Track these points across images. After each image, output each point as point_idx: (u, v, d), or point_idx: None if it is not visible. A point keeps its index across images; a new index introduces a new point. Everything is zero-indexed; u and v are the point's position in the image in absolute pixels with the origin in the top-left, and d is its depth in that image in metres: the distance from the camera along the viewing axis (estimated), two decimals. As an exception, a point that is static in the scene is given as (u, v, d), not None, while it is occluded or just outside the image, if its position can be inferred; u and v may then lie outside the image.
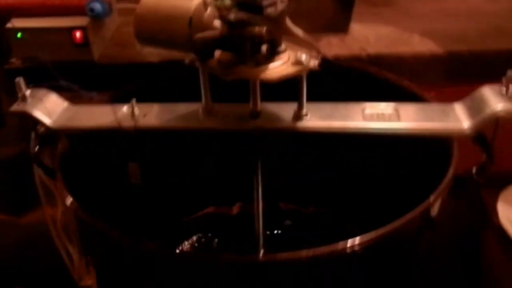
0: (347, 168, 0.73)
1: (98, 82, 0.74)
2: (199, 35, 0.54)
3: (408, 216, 0.49)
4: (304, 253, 0.48)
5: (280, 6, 0.56)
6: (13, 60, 0.93)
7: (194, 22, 0.54)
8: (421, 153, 0.63)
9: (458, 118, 0.61)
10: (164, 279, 0.53)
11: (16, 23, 0.91)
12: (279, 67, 0.58)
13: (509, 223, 0.88)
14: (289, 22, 0.64)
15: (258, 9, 0.54)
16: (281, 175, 0.73)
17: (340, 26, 0.83)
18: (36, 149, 0.65)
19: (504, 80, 0.60)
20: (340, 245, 0.47)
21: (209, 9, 0.55)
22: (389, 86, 0.72)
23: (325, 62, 0.73)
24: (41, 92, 0.67)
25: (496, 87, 0.61)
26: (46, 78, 0.76)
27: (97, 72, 0.92)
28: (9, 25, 0.90)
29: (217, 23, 0.56)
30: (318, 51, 0.71)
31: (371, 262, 0.52)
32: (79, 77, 0.82)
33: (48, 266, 0.93)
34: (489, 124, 0.60)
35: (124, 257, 0.56)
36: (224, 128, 0.62)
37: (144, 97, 0.66)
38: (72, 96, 0.72)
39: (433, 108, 0.64)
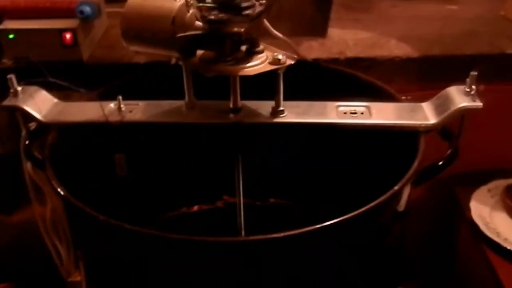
0: (322, 163, 0.77)
1: (86, 82, 0.78)
2: (181, 34, 0.58)
3: (372, 204, 0.53)
4: (275, 235, 0.51)
5: (258, 8, 0.60)
6: (4, 60, 0.96)
7: (176, 21, 0.58)
8: (393, 148, 0.67)
9: (425, 115, 0.65)
10: (155, 261, 0.56)
11: (8, 24, 0.94)
12: (256, 65, 0.61)
13: (479, 219, 0.93)
14: (268, 25, 0.68)
15: (237, 10, 0.58)
16: (261, 170, 0.76)
17: (318, 30, 0.87)
18: (27, 142, 0.68)
19: (468, 80, 0.64)
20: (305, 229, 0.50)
21: (191, 10, 0.59)
22: (364, 86, 0.76)
23: (302, 63, 0.78)
24: (32, 88, 0.70)
25: (461, 87, 0.65)
26: (36, 77, 0.79)
27: (85, 72, 0.95)
28: (1, 26, 0.93)
29: (198, 23, 0.59)
30: (296, 52, 0.76)
31: (337, 248, 0.56)
32: (68, 77, 0.85)
33: (39, 263, 0.96)
34: (453, 120, 0.64)
35: (113, 239, 0.58)
36: (205, 122, 0.66)
37: (130, 95, 0.69)
38: (63, 95, 0.76)
39: (403, 106, 0.68)
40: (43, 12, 0.93)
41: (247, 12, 0.58)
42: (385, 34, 1.01)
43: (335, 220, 0.51)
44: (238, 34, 0.58)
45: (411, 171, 0.57)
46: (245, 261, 0.53)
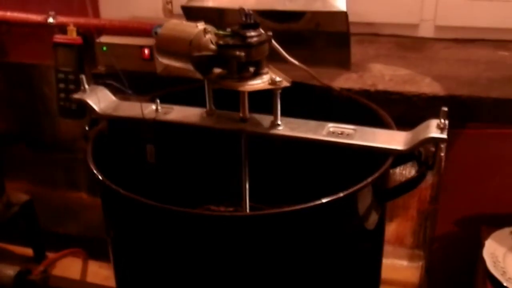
0: (308, 172, 0.88)
1: (157, 89, 0.97)
2: (196, 53, 0.73)
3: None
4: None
5: (261, 38, 0.74)
6: (99, 67, 1.20)
7: (193, 43, 0.73)
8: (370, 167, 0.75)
9: (400, 142, 0.74)
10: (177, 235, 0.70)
11: (103, 39, 1.17)
12: (257, 84, 0.75)
13: (490, 256, 0.96)
14: (284, 53, 0.81)
15: (242, 39, 0.73)
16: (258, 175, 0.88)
17: (343, 63, 0.97)
18: (87, 128, 0.88)
19: (440, 114, 0.72)
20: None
21: (208, 35, 0.75)
22: (369, 113, 0.86)
23: (317, 87, 0.90)
24: (98, 88, 0.90)
25: (437, 120, 0.73)
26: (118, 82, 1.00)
27: (158, 82, 1.15)
28: (98, 40, 1.17)
29: (212, 46, 0.75)
30: (315, 77, 0.88)
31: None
32: (144, 84, 1.06)
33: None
34: (424, 148, 0.72)
35: (142, 216, 0.73)
36: (217, 127, 0.81)
37: (177, 100, 0.86)
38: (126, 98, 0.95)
39: (387, 133, 0.77)
40: (129, 31, 1.15)
41: (249, 40, 0.73)
42: (424, 72, 1.08)
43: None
44: (240, 57, 0.73)
45: (363, 183, 0.67)
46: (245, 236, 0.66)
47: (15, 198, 1.26)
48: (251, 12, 0.73)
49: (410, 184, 0.73)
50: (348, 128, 0.78)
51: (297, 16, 0.95)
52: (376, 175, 0.69)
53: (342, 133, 0.77)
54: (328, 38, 0.95)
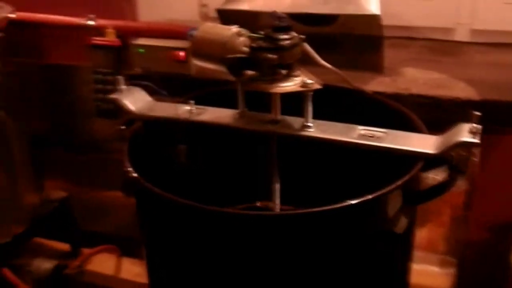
0: (338, 174, 0.88)
1: (191, 90, 0.99)
2: (229, 55, 0.75)
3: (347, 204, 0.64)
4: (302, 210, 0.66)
5: (294, 41, 0.75)
6: (135, 69, 1.23)
7: (227, 45, 0.75)
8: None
9: (431, 145, 0.74)
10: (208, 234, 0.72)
11: (140, 41, 1.20)
12: (288, 86, 0.76)
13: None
14: (317, 56, 0.82)
15: (274, 42, 0.74)
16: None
17: (376, 67, 0.97)
18: (123, 128, 0.90)
19: (472, 118, 0.72)
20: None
21: (242, 38, 0.76)
22: (398, 115, 0.86)
23: (351, 91, 0.91)
24: (134, 88, 0.92)
25: (469, 124, 0.73)
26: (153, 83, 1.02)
27: (192, 84, 1.17)
28: (134, 42, 1.20)
29: (245, 48, 0.76)
30: (346, 81, 0.88)
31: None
32: (178, 86, 1.08)
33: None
34: (455, 152, 0.71)
35: (177, 214, 0.74)
36: (249, 128, 0.82)
37: (210, 102, 0.88)
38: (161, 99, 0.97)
39: (418, 136, 0.77)
40: (165, 33, 1.17)
41: (281, 43, 0.74)
42: (458, 77, 1.07)
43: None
44: (272, 59, 0.74)
45: (392, 186, 0.67)
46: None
47: (53, 195, 1.30)
48: (283, 15, 0.75)
49: (440, 189, 0.72)
50: (378, 131, 0.78)
51: (330, 19, 0.96)
52: (406, 178, 0.69)
53: (372, 136, 0.77)
54: (361, 42, 0.96)
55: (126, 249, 1.38)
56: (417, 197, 0.74)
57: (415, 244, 1.05)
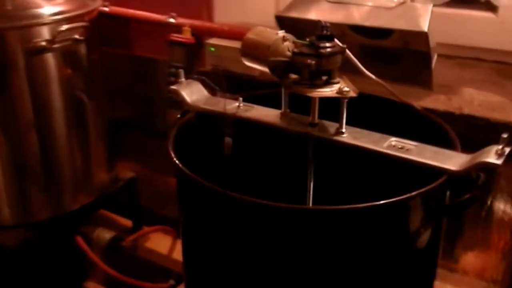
0: (367, 180, 0.90)
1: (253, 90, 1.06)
2: (272, 58, 0.81)
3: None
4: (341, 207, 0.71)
5: (335, 49, 0.79)
6: (206, 66, 1.32)
7: (271, 49, 0.81)
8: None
9: (456, 163, 0.75)
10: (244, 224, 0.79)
11: (212, 40, 1.29)
12: (325, 91, 0.80)
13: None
14: (362, 67, 0.86)
15: (315, 49, 0.79)
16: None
17: (425, 83, 0.98)
18: (179, 116, 0.99)
19: (500, 140, 0.72)
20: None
21: (286, 43, 0.82)
22: (438, 131, 0.87)
23: (397, 104, 0.93)
24: (193, 82, 1.01)
25: (497, 146, 0.73)
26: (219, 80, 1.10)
27: (255, 85, 1.24)
28: (207, 41, 1.29)
29: (288, 53, 0.81)
30: (392, 93, 0.91)
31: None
32: (242, 85, 1.14)
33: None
34: (474, 169, 0.72)
35: (215, 202, 0.79)
36: (288, 128, 0.87)
37: (262, 102, 0.94)
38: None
39: (447, 153, 0.78)
40: (234, 35, 1.25)
41: (321, 51, 0.78)
42: (518, 101, 1.05)
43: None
44: (310, 65, 0.78)
45: (413, 193, 0.70)
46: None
47: (122, 174, 1.42)
48: (327, 24, 0.79)
49: (463, 205, 0.73)
50: (409, 143, 0.80)
51: (387, 33, 0.98)
52: (426, 189, 0.71)
53: (402, 148, 0.80)
54: (413, 57, 0.97)
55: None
56: (439, 211, 0.75)
57: (464, 268, 1.05)
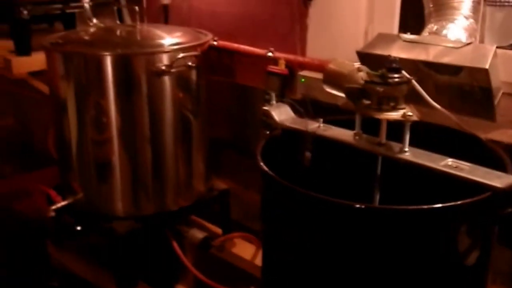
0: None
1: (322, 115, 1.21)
2: (347, 85, 0.97)
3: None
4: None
5: (401, 80, 0.94)
6: (297, 94, 1.50)
7: (347, 77, 0.97)
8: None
9: (502, 182, 0.85)
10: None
11: (303, 72, 1.47)
12: (390, 115, 0.95)
13: None
14: (427, 97, 0.99)
15: (384, 78, 0.94)
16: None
17: (489, 116, 1.08)
18: (267, 132, 1.17)
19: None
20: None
21: (360, 73, 0.97)
22: (497, 159, 0.97)
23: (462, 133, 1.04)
24: (282, 104, 1.19)
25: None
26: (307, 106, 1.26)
27: (338, 112, 1.39)
28: (299, 73, 1.47)
29: (361, 81, 0.97)
30: (457, 124, 1.03)
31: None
32: (328, 112, 1.29)
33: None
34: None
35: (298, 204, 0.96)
36: (359, 147, 1.02)
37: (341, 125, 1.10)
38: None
39: (496, 174, 0.89)
40: (322, 68, 1.42)
41: (389, 80, 0.93)
42: None
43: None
44: (379, 92, 0.93)
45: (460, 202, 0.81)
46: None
47: (217, 186, 1.62)
48: (395, 59, 0.94)
49: (503, 219, 0.84)
50: (464, 164, 0.92)
51: (454, 70, 1.10)
52: (471, 200, 0.83)
53: (457, 167, 0.91)
54: (479, 93, 1.08)
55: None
56: (487, 221, 0.86)
57: None
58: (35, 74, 1.81)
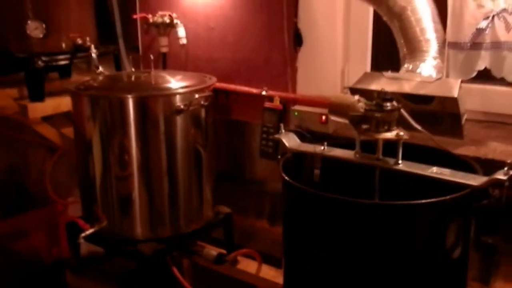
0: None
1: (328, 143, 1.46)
2: (351, 113, 1.22)
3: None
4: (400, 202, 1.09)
5: (392, 108, 1.20)
6: (290, 126, 1.74)
7: (350, 107, 1.22)
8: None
9: (478, 181, 1.11)
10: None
11: (296, 107, 1.72)
12: (386, 135, 1.20)
13: None
14: (411, 120, 1.25)
15: (380, 107, 1.19)
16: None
17: (457, 135, 1.36)
18: (279, 157, 1.40)
19: (507, 166, 1.09)
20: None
21: (360, 103, 1.23)
22: (467, 166, 1.24)
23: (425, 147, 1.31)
24: (289, 133, 1.42)
25: (504, 169, 1.09)
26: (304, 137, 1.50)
27: (329, 138, 1.64)
28: (292, 107, 1.72)
29: (361, 109, 1.22)
30: (435, 142, 1.30)
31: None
32: (320, 139, 1.53)
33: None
34: (488, 184, 1.09)
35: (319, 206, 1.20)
36: (361, 162, 1.26)
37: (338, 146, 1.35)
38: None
39: (472, 176, 1.15)
40: (313, 103, 1.68)
41: (384, 108, 1.19)
42: (530, 151, 1.41)
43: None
44: (377, 117, 1.19)
45: (447, 197, 1.07)
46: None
47: (221, 210, 1.82)
48: (387, 92, 1.20)
49: (482, 209, 1.10)
50: (446, 171, 1.18)
51: (428, 99, 1.38)
52: (455, 195, 1.08)
53: (441, 173, 1.17)
54: (448, 117, 1.36)
55: (266, 260, 1.84)
56: (468, 211, 1.12)
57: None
58: (47, 119, 1.98)
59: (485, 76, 1.57)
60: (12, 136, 2.39)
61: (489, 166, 1.38)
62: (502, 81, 1.56)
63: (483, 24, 1.38)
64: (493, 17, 1.38)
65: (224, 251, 1.74)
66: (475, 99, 1.59)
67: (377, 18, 1.70)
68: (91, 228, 1.60)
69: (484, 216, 1.40)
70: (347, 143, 1.36)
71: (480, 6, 1.38)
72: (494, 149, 1.45)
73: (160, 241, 1.62)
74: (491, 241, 1.53)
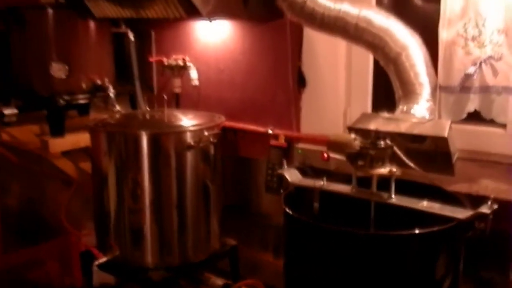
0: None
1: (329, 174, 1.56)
2: (347, 150, 1.32)
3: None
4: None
5: (386, 146, 1.30)
6: (295, 163, 1.85)
7: (347, 144, 1.32)
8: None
9: (464, 214, 1.20)
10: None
11: (299, 145, 1.83)
12: (379, 171, 1.30)
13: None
14: (404, 158, 1.35)
15: (373, 145, 1.29)
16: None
17: (449, 172, 1.46)
18: (283, 190, 1.49)
19: (490, 202, 1.17)
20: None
21: (356, 141, 1.33)
22: (458, 201, 1.33)
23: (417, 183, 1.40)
24: (291, 168, 1.53)
25: (488, 204, 1.18)
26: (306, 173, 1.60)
27: (332, 174, 1.74)
28: (296, 145, 1.83)
29: (357, 147, 1.32)
30: (424, 176, 1.39)
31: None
32: (323, 175, 1.63)
33: None
34: (473, 217, 1.17)
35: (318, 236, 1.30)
36: (356, 196, 1.36)
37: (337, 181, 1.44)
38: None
39: (460, 210, 1.23)
40: (316, 141, 1.78)
41: (377, 146, 1.29)
42: (519, 188, 1.49)
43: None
44: (371, 154, 1.29)
45: (435, 228, 1.15)
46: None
47: (228, 242, 1.91)
48: (381, 131, 1.30)
49: (467, 239, 1.18)
50: (436, 204, 1.27)
51: (422, 139, 1.48)
52: (444, 226, 1.17)
53: (430, 207, 1.26)
54: (440, 156, 1.45)
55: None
56: (455, 242, 1.20)
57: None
58: (66, 154, 2.10)
59: (478, 118, 1.67)
60: (31, 169, 2.51)
61: (481, 202, 1.47)
62: (493, 123, 1.66)
63: (471, 69, 1.49)
64: (480, 63, 1.49)
65: (229, 281, 1.82)
66: (469, 139, 1.68)
67: (377, 61, 1.82)
68: (104, 256, 1.70)
69: (480, 250, 1.48)
70: (345, 178, 1.46)
71: (468, 53, 1.50)
72: (486, 186, 1.54)
73: (169, 269, 1.71)
74: (488, 276, 1.60)
